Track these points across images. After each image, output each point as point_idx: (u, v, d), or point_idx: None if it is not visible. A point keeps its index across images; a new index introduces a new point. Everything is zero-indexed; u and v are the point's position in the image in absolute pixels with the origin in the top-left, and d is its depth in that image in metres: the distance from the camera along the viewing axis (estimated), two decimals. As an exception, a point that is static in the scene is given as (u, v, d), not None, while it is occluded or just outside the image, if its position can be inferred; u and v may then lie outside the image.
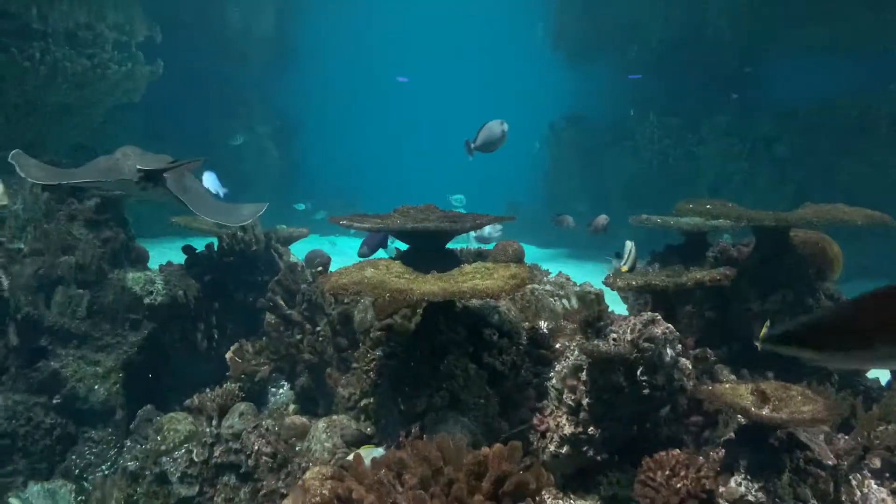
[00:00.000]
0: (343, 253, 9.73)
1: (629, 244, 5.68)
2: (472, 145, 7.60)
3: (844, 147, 14.03)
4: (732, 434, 4.02)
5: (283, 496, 4.38)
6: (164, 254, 9.43)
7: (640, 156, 17.54)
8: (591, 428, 4.05)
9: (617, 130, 18.03)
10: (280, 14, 19.61)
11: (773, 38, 15.64)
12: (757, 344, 4.80)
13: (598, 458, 4.08)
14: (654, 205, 8.34)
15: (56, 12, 10.45)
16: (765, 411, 3.79)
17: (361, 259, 5.43)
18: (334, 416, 4.82)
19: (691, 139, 16.97)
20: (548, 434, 4.11)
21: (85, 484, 6.51)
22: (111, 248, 7.65)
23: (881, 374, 5.33)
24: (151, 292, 7.69)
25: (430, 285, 4.09)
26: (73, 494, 6.44)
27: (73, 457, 6.78)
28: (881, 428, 4.16)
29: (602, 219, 7.79)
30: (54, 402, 6.87)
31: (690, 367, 4.21)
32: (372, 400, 4.69)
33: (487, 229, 7.05)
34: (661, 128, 17.21)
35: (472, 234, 9.34)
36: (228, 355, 5.63)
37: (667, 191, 13.83)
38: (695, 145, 16.92)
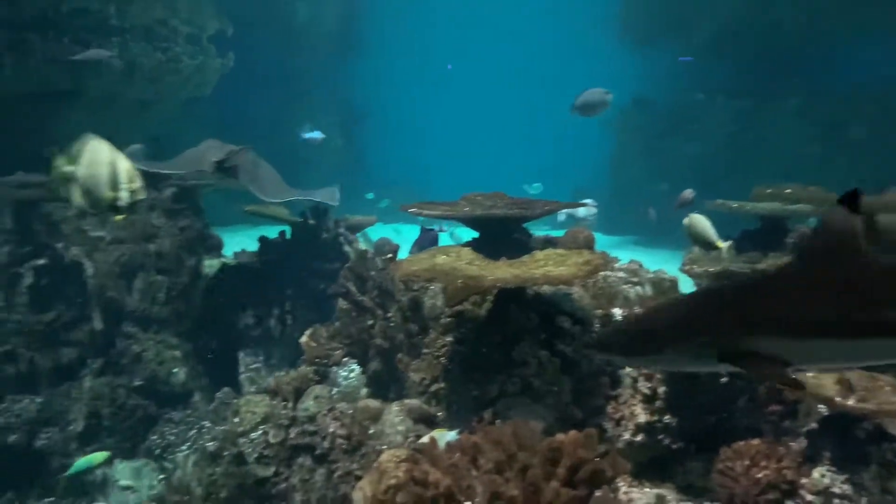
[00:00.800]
0: (408, 241, 9.79)
1: (698, 219, 5.45)
2: (574, 106, 7.74)
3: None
4: (815, 424, 3.91)
5: (358, 478, 4.47)
6: (238, 241, 9.71)
7: (707, 140, 17.10)
8: (667, 416, 3.99)
9: (684, 114, 17.61)
10: (345, 4, 19.81)
11: (845, 17, 15.00)
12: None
13: (674, 446, 4.03)
14: (722, 189, 8.13)
15: (134, 8, 10.81)
16: (850, 401, 3.67)
17: None
18: (406, 400, 4.88)
19: (761, 122, 16.45)
20: (622, 422, 4.08)
21: (166, 463, 6.77)
22: (188, 236, 7.92)
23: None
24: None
25: (503, 272, 4.10)
26: (156, 472, 6.71)
27: (155, 437, 7.07)
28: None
29: (688, 193, 7.59)
30: (136, 384, 7.17)
31: (770, 355, 4.10)
32: (443, 385, 4.73)
33: (582, 211, 6.66)
34: (730, 111, 16.73)
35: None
36: (303, 340, 5.75)
37: (735, 175, 13.44)
38: (764, 128, 16.40)
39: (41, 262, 7.33)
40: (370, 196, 16.90)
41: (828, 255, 2.30)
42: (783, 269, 2.56)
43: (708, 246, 5.75)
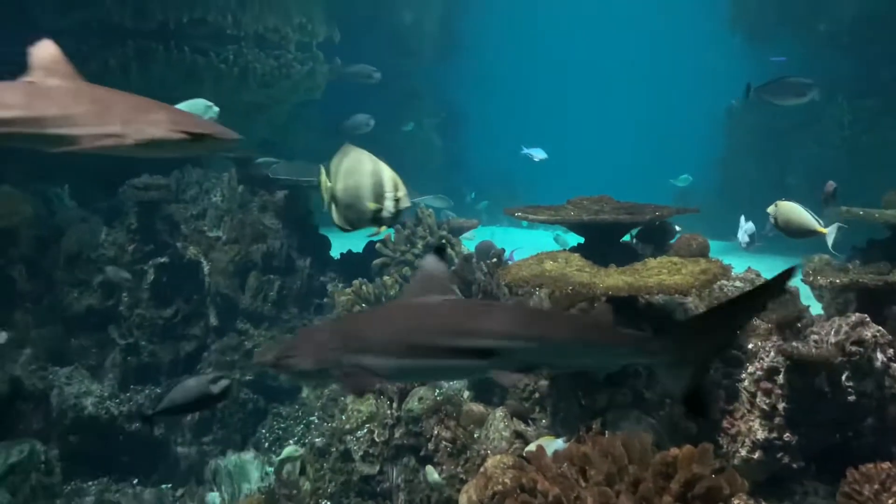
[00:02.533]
0: (504, 244, 9.79)
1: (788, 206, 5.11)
2: (752, 88, 7.62)
3: None
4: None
5: (463, 481, 4.49)
6: (343, 241, 9.95)
7: (826, 141, 16.18)
8: (787, 434, 3.81)
9: (801, 114, 16.71)
10: (447, 7, 19.98)
11: None
12: None
13: (794, 465, 3.84)
14: (842, 195, 7.67)
15: (248, 17, 11.26)
16: None
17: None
18: (511, 405, 4.86)
19: (887, 124, 15.42)
20: (738, 438, 3.91)
21: (273, 456, 7.01)
22: (298, 237, 8.19)
23: None
24: (334, 279, 8.17)
25: (614, 279, 4.01)
26: (264, 465, 6.96)
27: (264, 430, 7.35)
28: None
29: (830, 185, 6.92)
30: (247, 378, 7.47)
31: (903, 374, 3.85)
32: (548, 392, 4.68)
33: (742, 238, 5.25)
34: (852, 111, 15.77)
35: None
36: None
37: (856, 180, 12.64)
38: (891, 130, 15.36)
39: (162, 260, 7.75)
40: (472, 196, 16.97)
41: (416, 292, 2.84)
42: (389, 303, 3.25)
43: (808, 233, 5.29)
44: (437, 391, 5.71)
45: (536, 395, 4.84)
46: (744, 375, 4.07)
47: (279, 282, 7.86)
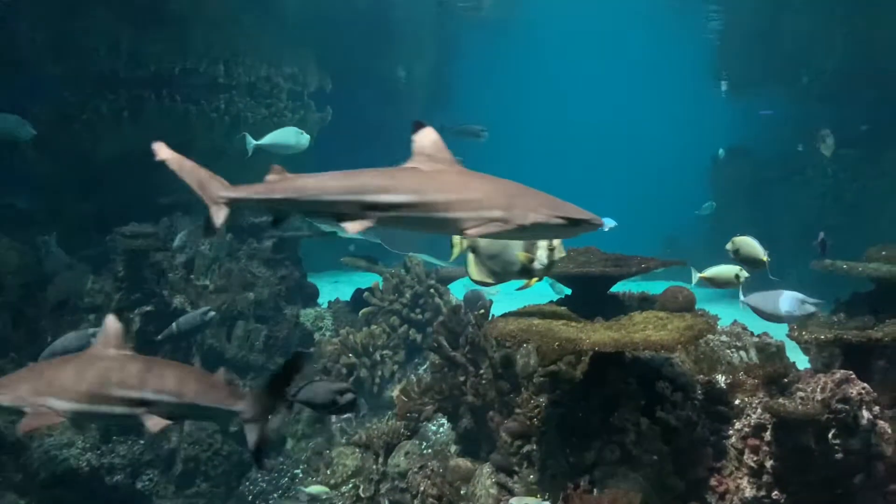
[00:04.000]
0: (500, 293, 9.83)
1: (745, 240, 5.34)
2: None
3: None
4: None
5: (449, 540, 4.42)
6: (331, 289, 9.96)
7: (811, 191, 16.41)
8: (776, 492, 3.78)
9: (786, 164, 16.97)
10: (439, 57, 20.32)
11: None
12: None
13: (784, 525, 3.80)
14: (832, 245, 7.76)
15: (240, 67, 11.45)
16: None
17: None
18: (497, 460, 4.81)
19: (870, 172, 15.67)
20: (727, 496, 3.88)
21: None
22: (286, 285, 8.19)
23: None
24: (321, 328, 8.14)
25: (601, 335, 4.00)
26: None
27: (248, 483, 7.22)
28: None
29: (821, 237, 7.36)
30: (232, 430, 7.36)
31: (889, 431, 3.83)
32: (536, 447, 4.63)
33: (786, 306, 4.94)
34: (836, 160, 16.03)
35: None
36: (395, 393, 5.78)
37: (843, 228, 12.81)
38: (874, 179, 15.61)
39: (148, 308, 7.70)
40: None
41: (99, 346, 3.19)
42: (75, 354, 3.40)
43: (756, 263, 5.76)
44: (424, 445, 5.66)
45: (525, 449, 4.79)
46: (731, 432, 4.05)
47: (266, 331, 7.82)
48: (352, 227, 3.08)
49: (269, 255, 8.26)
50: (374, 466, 5.32)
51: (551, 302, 5.47)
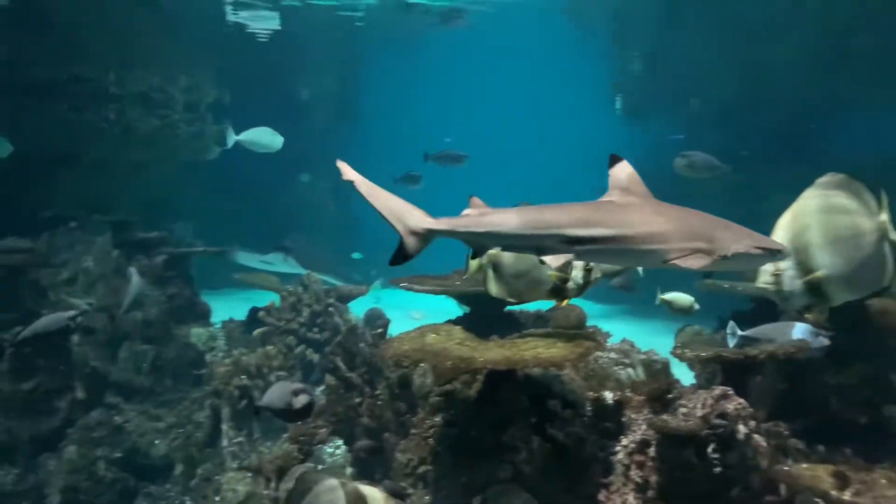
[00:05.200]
0: (393, 307, 9.83)
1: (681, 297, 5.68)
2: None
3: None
4: (812, 519, 3.80)
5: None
6: (227, 307, 9.64)
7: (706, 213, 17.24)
8: (660, 506, 3.88)
9: (676, 186, 17.78)
10: (342, 71, 20.21)
11: (837, 95, 15.34)
12: None
13: (667, 538, 3.90)
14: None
15: (132, 76, 11.00)
16: (846, 496, 3.58)
17: None
18: (388, 485, 4.74)
19: (752, 195, 16.62)
20: (614, 512, 3.95)
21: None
22: (176, 304, 7.86)
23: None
24: (213, 348, 7.85)
25: (493, 353, 4.03)
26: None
27: (133, 512, 6.85)
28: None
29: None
30: (116, 456, 6.98)
31: (764, 444, 4.02)
32: (430, 468, 4.60)
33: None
34: (721, 184, 16.91)
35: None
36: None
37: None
38: (756, 202, 16.55)
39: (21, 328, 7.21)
40: (357, 256, 16.85)
41: None
42: None
43: (689, 311, 6.19)
44: (320, 468, 5.52)
45: (420, 470, 4.75)
46: (618, 448, 4.14)
47: (154, 352, 7.47)
48: (554, 262, 3.08)
49: (159, 273, 7.91)
50: (266, 492, 5.13)
51: (448, 321, 5.48)
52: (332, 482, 2.95)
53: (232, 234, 14.34)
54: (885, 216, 3.06)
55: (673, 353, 4.66)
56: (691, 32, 17.10)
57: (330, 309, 7.38)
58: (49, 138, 10.06)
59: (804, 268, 3.05)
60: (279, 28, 16.48)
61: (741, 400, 3.86)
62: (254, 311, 7.81)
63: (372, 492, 2.90)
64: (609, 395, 4.45)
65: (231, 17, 15.32)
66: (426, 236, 3.13)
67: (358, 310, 8.20)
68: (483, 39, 24.88)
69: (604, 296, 16.89)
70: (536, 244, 3.12)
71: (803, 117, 16.07)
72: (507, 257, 3.54)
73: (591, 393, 4.55)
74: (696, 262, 3.02)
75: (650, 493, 3.91)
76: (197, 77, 12.38)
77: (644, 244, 3.07)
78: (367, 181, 3.19)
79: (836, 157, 15.75)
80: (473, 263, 3.69)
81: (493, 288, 3.71)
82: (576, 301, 5.64)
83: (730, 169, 8.77)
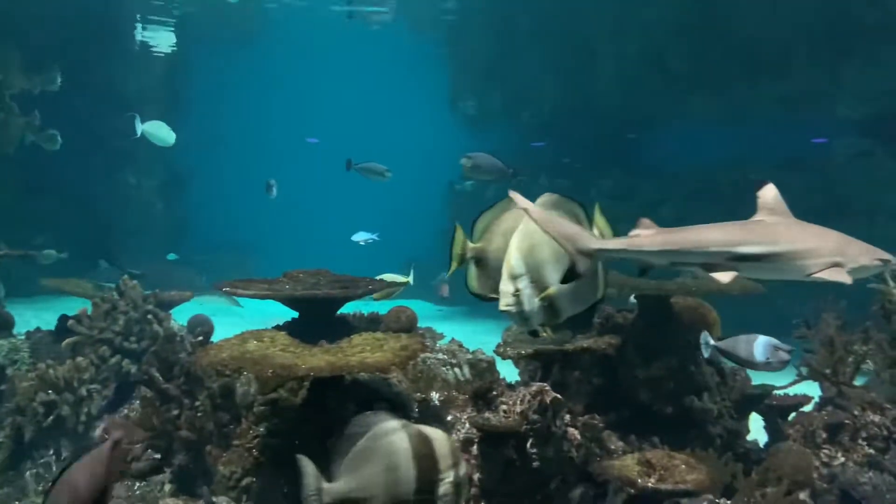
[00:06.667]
0: (220, 312, 9.40)
1: None
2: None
3: (725, 213, 14.80)
4: (621, 504, 4.03)
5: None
6: (36, 316, 8.84)
7: (532, 218, 18.00)
8: (482, 503, 3.96)
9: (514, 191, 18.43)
10: (169, 66, 19.25)
11: (658, 106, 16.53)
12: None
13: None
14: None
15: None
16: (651, 482, 3.83)
17: None
18: (213, 499, 4.52)
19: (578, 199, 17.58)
20: (438, 512, 3.98)
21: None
22: (-30, 314, 7.05)
23: (760, 436, 5.54)
24: (15, 361, 7.12)
25: (317, 359, 3.94)
26: None
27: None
28: (759, 493, 4.27)
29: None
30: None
31: (579, 436, 4.21)
32: (254, 479, 4.43)
33: (760, 353, 4.57)
34: (552, 190, 17.71)
35: None
36: (97, 433, 5.21)
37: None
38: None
39: None
40: (172, 257, 16.03)
41: None
42: None
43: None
44: (137, 486, 5.17)
45: (244, 482, 4.56)
46: (444, 448, 4.18)
47: (-56, 367, 6.66)
48: (724, 278, 3.30)
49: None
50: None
51: (275, 327, 5.31)
52: (394, 423, 2.75)
53: (47, 237, 13.18)
54: (595, 232, 3.42)
55: (495, 352, 4.79)
56: (524, 46, 17.85)
57: (149, 316, 6.90)
58: None
59: (539, 286, 3.17)
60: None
61: (557, 395, 4.03)
62: (63, 320, 7.15)
63: (436, 433, 2.72)
64: (435, 396, 4.50)
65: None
66: (595, 255, 3.23)
67: (180, 318, 7.76)
68: (327, 44, 24.71)
69: (443, 298, 17.19)
70: (705, 261, 3.39)
71: (623, 128, 17.23)
72: (493, 251, 3.50)
73: (418, 394, 4.58)
74: (837, 275, 3.33)
75: (473, 491, 3.98)
76: (1, 64, 11.26)
77: (796, 259, 3.37)
78: (542, 211, 3.25)
79: (653, 167, 17.10)
80: (454, 260, 3.60)
81: (474, 282, 3.62)
82: (412, 303, 5.70)
83: (511, 172, 9.09)
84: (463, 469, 2.79)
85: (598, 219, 3.57)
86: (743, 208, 3.69)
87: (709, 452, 4.61)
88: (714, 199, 14.75)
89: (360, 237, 15.38)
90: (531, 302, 3.16)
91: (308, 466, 2.82)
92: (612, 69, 16.48)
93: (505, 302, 3.17)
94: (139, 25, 19.50)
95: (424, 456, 2.73)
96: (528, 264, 3.16)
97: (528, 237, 3.24)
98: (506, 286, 3.17)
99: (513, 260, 3.19)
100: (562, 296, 3.21)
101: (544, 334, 3.43)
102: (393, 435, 2.79)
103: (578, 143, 17.41)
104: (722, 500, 4.33)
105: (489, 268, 3.57)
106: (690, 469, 3.92)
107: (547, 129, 18.00)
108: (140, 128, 9.13)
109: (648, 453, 4.07)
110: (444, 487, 2.73)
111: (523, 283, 3.14)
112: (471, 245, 3.64)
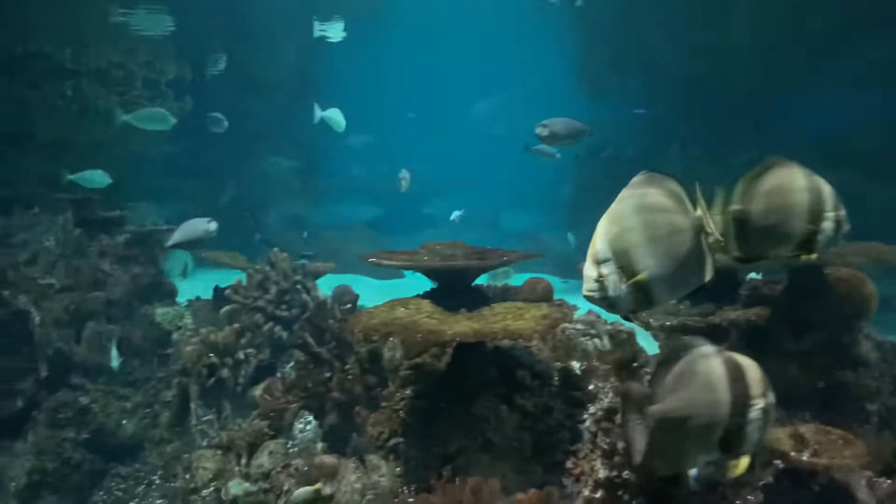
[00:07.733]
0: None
1: None
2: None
3: (876, 179, 13.76)
4: (771, 478, 3.93)
5: (313, 538, 4.35)
6: (194, 286, 9.54)
7: (664, 188, 17.52)
8: (627, 472, 3.97)
9: (641, 162, 17.97)
10: (300, 51, 19.97)
11: (797, 70, 15.61)
12: None
13: (634, 502, 4.00)
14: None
15: (89, 52, 10.71)
16: (804, 456, 3.72)
17: None
18: (364, 456, 4.79)
19: (713, 173, 16.89)
20: (582, 478, 4.04)
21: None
22: (140, 283, 7.76)
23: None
24: (180, 327, 7.78)
25: (462, 326, 4.08)
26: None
27: (101, 493, 6.80)
28: (924, 473, 4.05)
29: None
30: (83, 437, 6.92)
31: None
32: (402, 440, 4.65)
33: None
34: (686, 159, 17.14)
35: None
36: (258, 393, 5.63)
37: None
38: (718, 179, 16.84)
39: (-15, 309, 7.08)
40: (304, 235, 16.77)
41: None
42: None
43: None
44: (290, 443, 5.54)
45: (391, 442, 4.80)
46: (586, 416, 4.23)
47: (119, 332, 7.38)
48: None
49: (121, 252, 7.79)
50: (237, 468, 5.14)
51: (417, 296, 5.51)
52: (708, 349, 2.87)
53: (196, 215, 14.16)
54: (699, 211, 2.94)
55: (636, 322, 4.76)
56: (649, 20, 17.32)
57: (298, 286, 7.34)
58: (3, 116, 9.81)
59: (628, 271, 2.88)
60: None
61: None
62: (219, 290, 7.74)
63: (748, 361, 2.83)
64: (576, 365, 4.54)
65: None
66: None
67: (325, 288, 8.18)
68: (447, 18, 24.84)
69: (568, 271, 17.07)
70: None
71: (758, 96, 16.39)
72: (757, 211, 3.21)
73: (558, 363, 4.64)
74: None
75: (616, 459, 4.00)
76: (157, 53, 12.12)
77: None
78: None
79: (793, 135, 16.17)
80: (718, 220, 3.41)
81: (734, 246, 3.44)
82: (538, 276, 5.73)
83: (589, 130, 8.64)
84: (772, 397, 2.80)
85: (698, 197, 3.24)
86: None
87: (865, 429, 4.41)
88: (864, 166, 13.83)
89: (455, 215, 15.83)
90: (617, 288, 2.99)
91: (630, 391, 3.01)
92: (746, 35, 15.71)
93: (587, 287, 3.01)
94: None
95: (738, 381, 2.76)
96: (614, 249, 3.00)
97: (618, 220, 3.08)
98: (589, 271, 2.95)
99: (598, 244, 2.97)
100: (656, 281, 3.03)
101: (637, 321, 3.27)
102: (710, 359, 2.81)
103: (713, 109, 16.73)
104: (882, 479, 4.13)
105: (754, 229, 3.26)
106: (847, 445, 3.78)
107: (678, 95, 17.39)
108: (319, 114, 10.25)
109: (801, 427, 3.94)
110: (755, 413, 2.76)
111: (608, 269, 2.99)
112: (732, 207, 3.29)
